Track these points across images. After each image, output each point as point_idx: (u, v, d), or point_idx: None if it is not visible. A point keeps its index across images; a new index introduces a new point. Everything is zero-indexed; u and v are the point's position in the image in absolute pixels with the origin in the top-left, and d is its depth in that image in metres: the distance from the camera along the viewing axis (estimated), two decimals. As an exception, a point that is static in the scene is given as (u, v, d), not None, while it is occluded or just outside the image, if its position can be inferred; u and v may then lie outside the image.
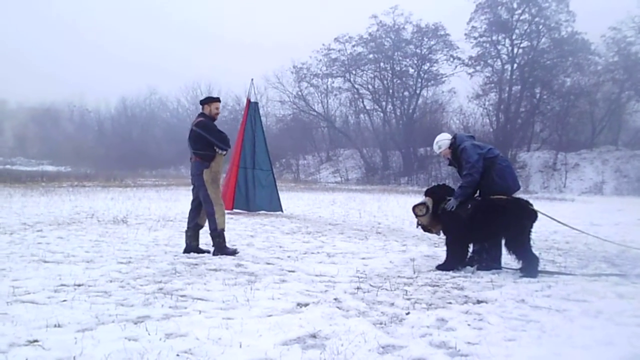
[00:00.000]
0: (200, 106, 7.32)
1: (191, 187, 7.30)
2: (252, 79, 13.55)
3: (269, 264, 6.45)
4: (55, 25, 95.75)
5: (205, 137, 6.88)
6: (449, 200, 6.28)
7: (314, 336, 3.67)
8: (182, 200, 17.06)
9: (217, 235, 6.95)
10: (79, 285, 4.98)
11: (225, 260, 6.57)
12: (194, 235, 7.12)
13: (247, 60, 70.27)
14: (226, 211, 12.41)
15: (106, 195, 18.63)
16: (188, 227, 7.16)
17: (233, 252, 6.94)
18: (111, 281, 5.21)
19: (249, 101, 13.37)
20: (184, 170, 53.52)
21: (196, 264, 6.26)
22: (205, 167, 6.92)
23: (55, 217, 10.99)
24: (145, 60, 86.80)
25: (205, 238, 7.21)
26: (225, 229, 7.08)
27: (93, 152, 56.22)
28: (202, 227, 7.18)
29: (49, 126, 67.13)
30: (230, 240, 8.24)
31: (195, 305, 4.38)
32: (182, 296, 4.68)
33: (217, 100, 7.34)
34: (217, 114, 7.23)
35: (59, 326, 3.72)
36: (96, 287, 4.93)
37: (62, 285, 4.98)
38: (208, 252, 7.00)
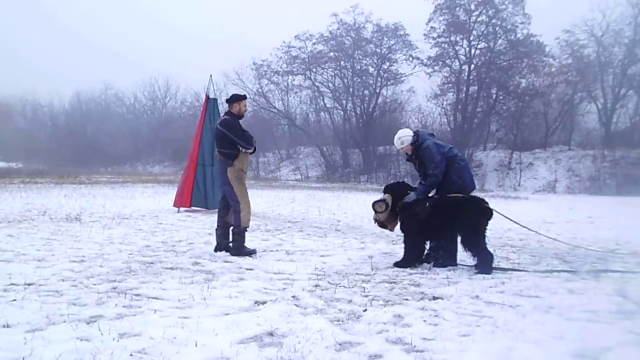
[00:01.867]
0: (227, 105, 7.23)
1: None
2: (210, 75, 13.41)
3: (226, 262, 6.39)
4: (5, 17, 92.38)
5: (228, 136, 6.85)
6: (409, 194, 6.37)
7: (271, 334, 3.66)
8: (138, 197, 16.77)
9: (239, 233, 6.91)
10: (30, 285, 4.85)
11: (182, 258, 6.49)
12: (224, 234, 7.09)
13: (207, 56, 69.02)
14: (184, 208, 12.46)
15: (59, 192, 18.11)
16: (218, 226, 7.16)
17: (251, 253, 6.88)
18: (63, 280, 5.08)
19: (207, 97, 13.20)
20: (140, 167, 52.66)
21: (152, 263, 6.15)
22: (229, 165, 6.91)
23: (5, 215, 10.63)
24: (100, 54, 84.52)
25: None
26: (249, 226, 7.08)
27: (46, 147, 54.72)
28: (231, 225, 7.14)
29: (0, 121, 64.82)
30: (187, 239, 8.16)
31: (150, 304, 4.31)
32: (136, 295, 4.60)
33: (244, 97, 7.29)
34: (245, 111, 7.21)
35: (8, 326, 3.63)
36: (47, 287, 4.81)
37: (12, 284, 4.84)
38: (255, 251, 6.97)
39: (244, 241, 6.93)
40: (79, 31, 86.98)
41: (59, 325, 3.68)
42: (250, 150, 7.01)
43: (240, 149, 6.90)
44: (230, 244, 6.97)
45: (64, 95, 65.83)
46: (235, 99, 7.15)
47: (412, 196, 6.34)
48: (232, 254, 6.79)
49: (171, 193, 14.60)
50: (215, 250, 7.03)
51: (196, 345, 3.38)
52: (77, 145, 53.48)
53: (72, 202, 13.98)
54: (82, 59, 78.86)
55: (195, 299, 4.48)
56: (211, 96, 13.27)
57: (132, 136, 57.75)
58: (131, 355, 3.19)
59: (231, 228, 7.01)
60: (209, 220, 10.80)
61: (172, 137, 50.66)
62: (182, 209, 12.54)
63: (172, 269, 5.84)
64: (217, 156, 7.14)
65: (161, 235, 8.47)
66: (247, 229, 7.00)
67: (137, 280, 5.18)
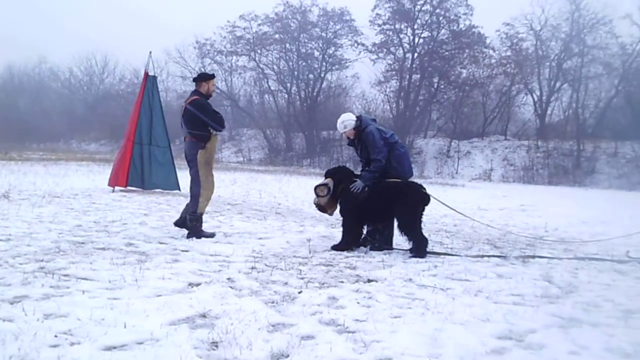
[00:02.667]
0: (194, 84, 6.97)
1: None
2: (150, 52, 12.96)
3: (162, 243, 6.26)
4: None
5: (199, 117, 6.60)
6: (355, 182, 6.39)
7: (203, 316, 3.62)
8: (71, 175, 16.18)
9: (196, 219, 6.74)
10: (-52, 264, 4.60)
11: (115, 239, 6.30)
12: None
13: (147, 32, 66.85)
14: (119, 188, 12.10)
15: (-14, 168, 17.23)
16: (187, 205, 6.96)
17: (210, 235, 6.74)
18: (-14, 259, 4.84)
19: (146, 74, 12.80)
20: (75, 145, 50.77)
21: (82, 243, 5.95)
22: (201, 147, 6.69)
23: None
24: (33, 26, 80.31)
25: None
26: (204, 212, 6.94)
27: (-26, 122, 51.82)
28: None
29: None
30: (121, 219, 7.94)
31: (79, 285, 4.18)
32: (65, 275, 4.45)
33: (213, 77, 7.04)
34: (213, 91, 6.98)
35: None
36: (-32, 266, 4.57)
37: None
38: (213, 234, 6.85)
39: (201, 225, 6.83)
40: (11, 3, 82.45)
41: (-21, 306, 3.50)
42: (220, 133, 6.86)
43: (212, 130, 6.70)
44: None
45: (-5, 68, 62.36)
46: (203, 77, 6.94)
47: (359, 184, 6.36)
48: (188, 237, 6.65)
49: (106, 172, 14.13)
50: (175, 224, 6.92)
51: (125, 326, 3.29)
52: (8, 120, 50.84)
53: (1, 179, 13.31)
54: (14, 29, 74.67)
55: (126, 280, 4.36)
56: (150, 73, 12.88)
57: (67, 112, 55.49)
58: (56, 336, 3.08)
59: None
60: (144, 201, 10.55)
61: (110, 114, 49.05)
62: (117, 188, 12.16)
63: (103, 249, 5.67)
64: (187, 138, 6.86)
65: (94, 215, 8.19)
66: (203, 214, 6.88)
67: (66, 260, 4.99)
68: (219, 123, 6.73)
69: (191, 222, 6.76)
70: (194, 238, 6.61)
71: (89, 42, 64.83)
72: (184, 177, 14.31)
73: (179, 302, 3.84)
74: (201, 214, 6.83)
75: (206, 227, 7.61)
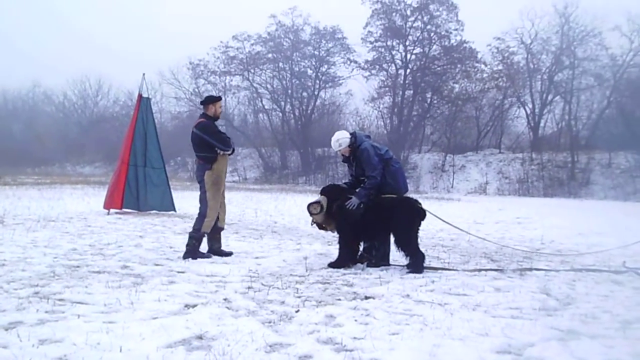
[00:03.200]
0: (203, 107, 7.16)
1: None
2: (143, 74, 13.02)
3: (157, 265, 6.23)
4: None
5: (205, 139, 6.72)
6: (351, 198, 6.39)
7: (200, 337, 3.59)
8: (66, 199, 16.11)
9: (196, 238, 6.77)
10: (-57, 291, 4.56)
11: (110, 262, 6.26)
12: (215, 238, 6.97)
13: (141, 54, 67.23)
14: (114, 210, 12.05)
15: (-19, 193, 17.16)
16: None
17: (207, 256, 6.75)
18: (-20, 286, 4.80)
19: (140, 96, 12.84)
20: (69, 168, 50.67)
21: (78, 266, 5.91)
22: (207, 168, 6.79)
23: None
24: (28, 51, 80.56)
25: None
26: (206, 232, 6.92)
27: (-32, 147, 51.61)
28: (222, 229, 7.10)
29: None
30: (117, 242, 7.90)
31: (74, 309, 4.14)
32: (60, 300, 4.41)
33: (219, 99, 7.21)
34: (221, 112, 7.13)
35: None
36: (-38, 293, 4.53)
37: None
38: (231, 254, 6.91)
39: (199, 245, 6.83)
40: (3, 26, 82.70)
41: (-27, 333, 3.47)
42: (229, 152, 6.94)
43: (218, 151, 6.79)
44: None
45: (-11, 93, 62.31)
46: (210, 100, 7.10)
47: (354, 201, 6.34)
48: (185, 257, 6.64)
49: (101, 194, 14.08)
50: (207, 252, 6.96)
51: (121, 350, 3.26)
52: (2, 145, 50.67)
53: (-5, 204, 13.26)
54: (8, 55, 74.94)
55: (122, 303, 4.33)
56: (144, 95, 12.93)
57: (61, 136, 55.37)
58: (50, 362, 3.05)
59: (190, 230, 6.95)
60: (140, 223, 10.51)
61: (104, 136, 48.99)
62: (112, 210, 12.13)
63: (99, 272, 5.63)
64: (196, 161, 7.04)
65: (89, 238, 8.15)
66: (206, 234, 6.90)
67: (61, 284, 4.96)
68: (224, 143, 6.82)
69: (190, 240, 6.77)
70: (190, 259, 6.58)
71: (82, 66, 64.92)
72: (179, 198, 14.33)
73: (175, 324, 3.81)
74: (204, 234, 6.85)
75: (201, 247, 7.58)
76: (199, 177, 6.92)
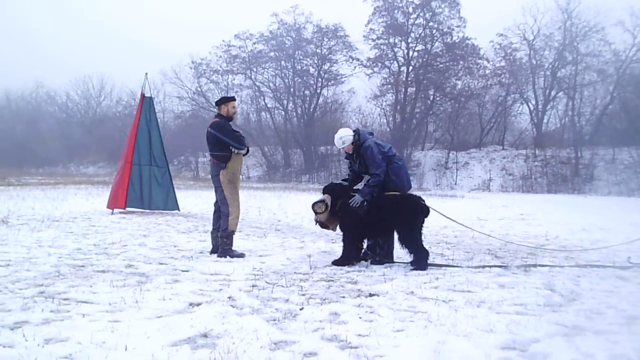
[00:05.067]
0: (216, 107, 7.25)
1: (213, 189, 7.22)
2: (146, 73, 13.02)
3: (161, 264, 6.23)
4: None
5: (220, 138, 6.78)
6: (354, 196, 6.38)
7: (205, 336, 3.59)
8: (69, 199, 16.15)
9: (226, 236, 6.83)
10: (-52, 292, 4.57)
11: (114, 261, 6.28)
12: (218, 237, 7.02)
13: (143, 53, 67.17)
14: (118, 210, 12.08)
15: (-15, 194, 17.22)
16: (213, 229, 7.12)
17: (239, 256, 6.77)
18: (-15, 286, 4.81)
19: (143, 96, 12.85)
20: (73, 168, 50.81)
21: (82, 266, 5.92)
22: (222, 168, 6.87)
23: None
24: (31, 51, 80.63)
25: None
26: (236, 231, 7.02)
27: (-28, 148, 51.79)
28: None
29: None
30: (121, 241, 7.92)
31: (79, 308, 4.15)
32: (65, 299, 4.42)
33: (233, 99, 7.29)
34: (235, 112, 7.18)
35: None
36: (-32, 293, 4.54)
37: None
38: (243, 255, 6.86)
39: (231, 244, 6.88)
40: (8, 27, 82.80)
41: (-21, 333, 3.48)
42: (244, 151, 7.00)
43: (233, 150, 6.85)
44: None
45: (-8, 93, 62.45)
46: (223, 100, 7.18)
47: (358, 198, 6.33)
48: (219, 256, 6.72)
49: (105, 194, 14.12)
50: (211, 252, 7.00)
51: (126, 349, 3.27)
52: (6, 146, 50.89)
53: (-1, 205, 13.31)
54: (11, 57, 75.01)
55: (127, 302, 4.34)
56: (147, 95, 12.94)
57: (65, 136, 55.51)
58: (56, 361, 3.06)
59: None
60: (144, 222, 10.53)
61: (107, 136, 49.14)
62: (116, 210, 12.16)
63: (103, 272, 5.64)
64: (211, 160, 7.12)
65: (93, 238, 8.17)
66: (235, 232, 6.96)
67: (66, 284, 4.97)
68: (238, 142, 6.90)
69: (221, 239, 6.85)
70: (227, 257, 6.67)
71: (85, 66, 64.99)
72: (183, 198, 14.37)
73: (179, 322, 3.82)
74: (232, 232, 6.91)
75: (205, 246, 7.63)
76: (214, 176, 7.00)
